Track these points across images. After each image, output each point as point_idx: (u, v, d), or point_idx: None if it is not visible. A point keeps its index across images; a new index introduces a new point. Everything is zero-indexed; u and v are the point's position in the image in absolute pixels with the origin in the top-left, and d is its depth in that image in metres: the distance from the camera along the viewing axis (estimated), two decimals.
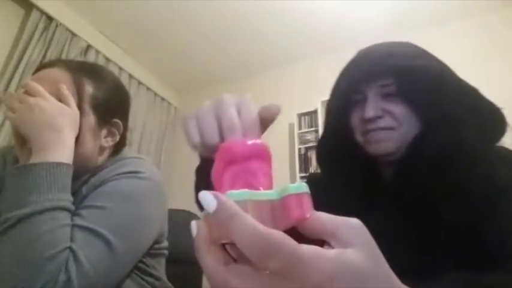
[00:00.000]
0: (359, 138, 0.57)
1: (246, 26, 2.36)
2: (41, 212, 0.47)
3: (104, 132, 0.64)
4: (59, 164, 0.51)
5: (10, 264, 0.44)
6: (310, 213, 0.22)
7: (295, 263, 0.18)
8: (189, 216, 1.01)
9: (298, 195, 0.22)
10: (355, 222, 0.22)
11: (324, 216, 0.22)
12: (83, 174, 0.59)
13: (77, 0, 2.16)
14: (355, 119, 0.58)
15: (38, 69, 0.63)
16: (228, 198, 0.20)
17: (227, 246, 0.21)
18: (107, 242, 0.49)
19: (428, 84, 0.51)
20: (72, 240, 0.47)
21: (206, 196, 0.20)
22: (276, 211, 0.22)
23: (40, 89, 0.56)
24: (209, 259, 0.20)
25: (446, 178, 0.47)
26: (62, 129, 0.54)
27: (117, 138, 0.65)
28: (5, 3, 1.95)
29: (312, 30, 2.38)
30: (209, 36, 2.47)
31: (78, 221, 0.49)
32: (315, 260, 0.19)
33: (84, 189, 0.58)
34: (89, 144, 0.60)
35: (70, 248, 0.46)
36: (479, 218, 0.43)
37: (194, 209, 0.43)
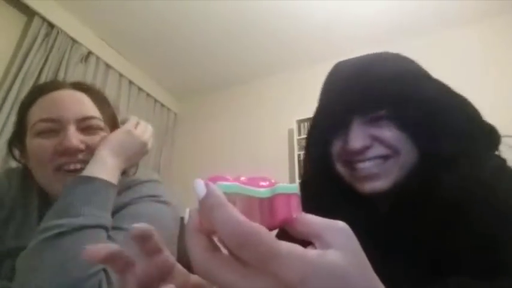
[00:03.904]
0: (340, 169, 0.48)
1: (245, 32, 2.38)
2: (92, 226, 0.48)
3: None
4: (114, 186, 0.54)
5: (52, 274, 0.43)
6: (297, 214, 0.22)
7: (269, 257, 0.19)
8: (183, 223, 1.00)
9: (287, 196, 0.22)
10: (341, 224, 0.22)
11: (311, 218, 0.22)
12: None
13: (78, 7, 2.18)
14: (335, 146, 0.48)
15: (54, 88, 0.63)
16: (217, 188, 0.21)
17: (216, 238, 0.22)
18: None
19: (424, 114, 0.43)
20: None
21: (198, 183, 0.21)
22: (264, 209, 0.22)
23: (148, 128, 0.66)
24: (195, 245, 0.21)
25: (461, 223, 0.39)
26: (126, 160, 0.59)
27: None
28: (7, 9, 1.97)
29: (311, 36, 2.40)
30: (209, 43, 2.49)
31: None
32: (290, 258, 0.19)
33: None
34: None
35: (104, 268, 0.47)
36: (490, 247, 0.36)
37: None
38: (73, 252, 0.45)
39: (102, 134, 0.62)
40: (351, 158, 0.46)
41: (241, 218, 0.19)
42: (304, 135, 2.47)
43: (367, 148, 0.45)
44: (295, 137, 2.47)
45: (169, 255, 0.31)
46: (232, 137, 2.82)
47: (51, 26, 2.09)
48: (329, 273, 0.19)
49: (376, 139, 0.45)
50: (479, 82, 1.93)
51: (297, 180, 2.34)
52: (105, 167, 0.54)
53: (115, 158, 0.56)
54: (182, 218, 1.01)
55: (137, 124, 0.64)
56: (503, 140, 0.46)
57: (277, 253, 0.19)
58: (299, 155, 2.41)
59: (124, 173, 0.69)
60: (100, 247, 0.28)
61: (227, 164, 2.65)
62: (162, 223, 0.58)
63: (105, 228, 0.50)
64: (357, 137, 0.45)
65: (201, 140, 2.96)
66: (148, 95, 2.85)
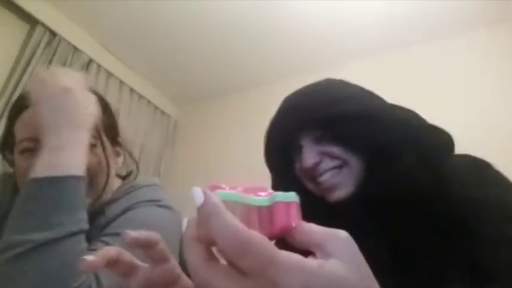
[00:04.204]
0: (308, 186, 0.55)
1: (247, 38, 2.40)
2: (66, 236, 0.43)
3: (114, 153, 0.65)
4: (83, 179, 0.48)
5: None
6: (296, 223, 0.22)
7: (268, 266, 0.18)
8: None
9: (287, 204, 0.22)
10: (342, 234, 0.21)
11: (312, 227, 0.22)
12: (98, 201, 0.59)
13: (80, 14, 2.20)
14: (297, 169, 0.56)
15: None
16: (216, 197, 0.20)
17: (215, 249, 0.21)
18: None
19: (362, 130, 0.50)
20: None
21: (196, 191, 0.21)
22: (263, 218, 0.21)
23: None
24: (193, 255, 0.21)
25: (413, 220, 0.44)
26: (73, 123, 0.49)
27: (122, 158, 0.67)
28: (10, 18, 1.99)
29: (316, 43, 2.42)
30: (210, 51, 2.51)
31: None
32: (289, 267, 0.18)
33: (103, 219, 0.56)
34: (112, 168, 0.61)
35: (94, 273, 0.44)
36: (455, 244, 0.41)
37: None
38: (52, 268, 0.40)
39: (95, 150, 0.58)
40: (309, 175, 0.52)
41: (240, 226, 0.19)
42: None
43: (318, 164, 0.51)
44: None
45: (176, 265, 0.31)
46: (232, 144, 2.82)
47: (53, 34, 2.11)
48: (328, 282, 0.18)
49: (325, 154, 0.51)
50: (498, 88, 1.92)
51: None
52: (60, 152, 0.46)
53: (61, 132, 0.48)
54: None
55: (42, 79, 0.52)
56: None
57: (276, 262, 0.18)
58: None
59: (124, 178, 0.69)
60: (100, 255, 0.27)
61: (227, 171, 2.64)
62: (161, 228, 0.55)
63: (83, 231, 0.46)
64: (308, 155, 0.51)
65: (202, 147, 2.95)
66: (149, 102, 2.86)
